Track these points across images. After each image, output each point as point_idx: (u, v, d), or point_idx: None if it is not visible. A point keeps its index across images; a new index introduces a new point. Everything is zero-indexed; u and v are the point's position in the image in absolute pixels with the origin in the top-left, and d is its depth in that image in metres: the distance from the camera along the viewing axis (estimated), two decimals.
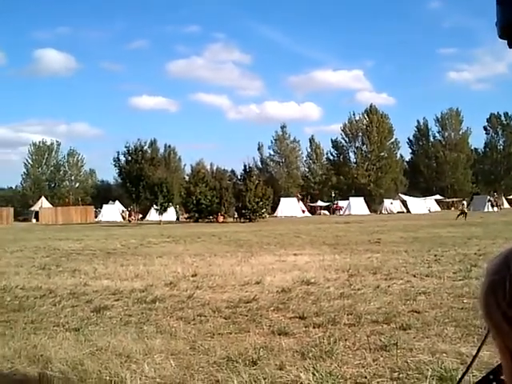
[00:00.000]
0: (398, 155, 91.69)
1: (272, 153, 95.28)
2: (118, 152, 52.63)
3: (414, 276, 9.50)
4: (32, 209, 72.30)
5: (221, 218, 51.89)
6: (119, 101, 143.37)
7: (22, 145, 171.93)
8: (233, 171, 73.07)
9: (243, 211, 49.83)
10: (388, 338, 5.23)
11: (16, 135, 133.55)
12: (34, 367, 4.64)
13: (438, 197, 77.26)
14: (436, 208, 72.20)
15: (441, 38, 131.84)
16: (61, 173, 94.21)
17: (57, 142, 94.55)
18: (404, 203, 69.25)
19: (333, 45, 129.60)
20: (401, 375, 4.24)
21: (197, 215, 52.13)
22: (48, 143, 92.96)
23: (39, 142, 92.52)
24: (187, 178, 59.65)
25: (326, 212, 75.89)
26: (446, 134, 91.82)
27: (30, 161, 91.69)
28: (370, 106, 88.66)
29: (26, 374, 4.51)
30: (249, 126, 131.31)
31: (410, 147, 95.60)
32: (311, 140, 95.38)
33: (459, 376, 3.89)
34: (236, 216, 53.65)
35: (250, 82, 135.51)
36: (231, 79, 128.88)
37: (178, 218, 57.25)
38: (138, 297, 8.07)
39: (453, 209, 74.03)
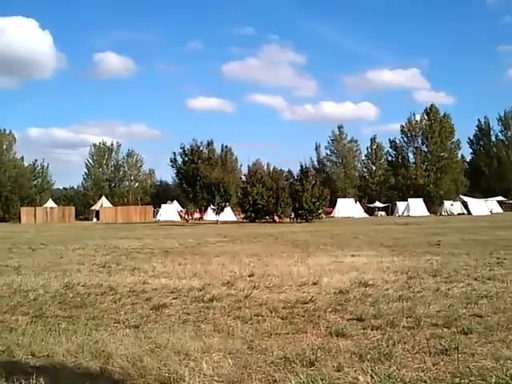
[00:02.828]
0: (459, 155, 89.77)
1: (329, 153, 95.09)
2: (175, 153, 53.44)
3: (476, 279, 9.23)
4: (93, 208, 74.16)
5: (277, 219, 51.93)
6: (176, 102, 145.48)
7: (83, 146, 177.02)
8: (289, 171, 73.03)
9: (300, 211, 49.69)
10: (448, 342, 5.09)
11: (76, 136, 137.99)
12: (96, 362, 4.75)
13: (500, 198, 75.11)
14: (498, 209, 70.23)
15: (500, 35, 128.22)
16: (121, 173, 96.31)
17: (117, 142, 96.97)
18: (465, 204, 67.64)
19: (388, 43, 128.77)
20: (462, 381, 4.11)
21: (253, 215, 52.27)
22: (108, 144, 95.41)
23: (99, 143, 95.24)
24: (244, 178, 59.77)
25: (384, 213, 74.99)
26: (509, 133, 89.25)
27: (90, 161, 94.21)
28: (431, 106, 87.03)
29: (89, 368, 4.62)
30: (304, 126, 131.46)
31: (470, 147, 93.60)
32: (372, 140, 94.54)
33: None
34: (292, 216, 53.54)
35: (304, 83, 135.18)
36: (286, 80, 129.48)
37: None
38: (196, 295, 8.12)
39: None
